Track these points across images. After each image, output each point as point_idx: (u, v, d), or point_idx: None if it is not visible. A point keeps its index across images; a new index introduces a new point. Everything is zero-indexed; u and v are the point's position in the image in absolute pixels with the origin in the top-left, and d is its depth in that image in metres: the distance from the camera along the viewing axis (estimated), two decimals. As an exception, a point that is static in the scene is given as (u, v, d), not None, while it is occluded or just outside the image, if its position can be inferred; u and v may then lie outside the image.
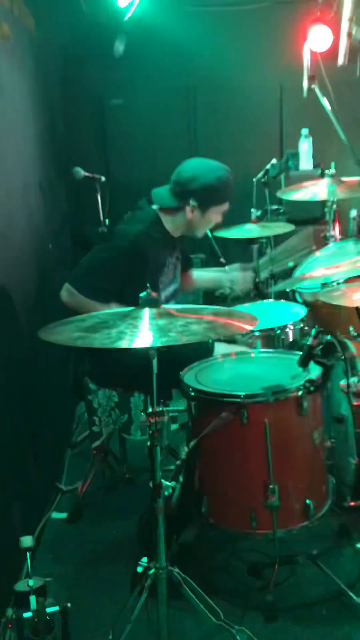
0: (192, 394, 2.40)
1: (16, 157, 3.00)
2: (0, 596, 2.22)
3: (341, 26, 4.09)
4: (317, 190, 3.49)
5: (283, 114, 5.09)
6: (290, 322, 2.98)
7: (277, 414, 2.31)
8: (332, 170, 3.54)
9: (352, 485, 2.54)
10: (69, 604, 1.99)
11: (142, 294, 2.01)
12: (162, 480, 2.02)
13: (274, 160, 3.93)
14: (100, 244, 2.85)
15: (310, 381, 2.31)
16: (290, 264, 3.39)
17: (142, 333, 1.86)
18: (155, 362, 1.95)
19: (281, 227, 3.76)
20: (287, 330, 2.96)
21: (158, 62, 4.90)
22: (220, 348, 2.82)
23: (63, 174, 4.21)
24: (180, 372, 2.53)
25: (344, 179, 3.54)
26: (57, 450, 3.59)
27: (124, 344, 1.81)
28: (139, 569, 2.12)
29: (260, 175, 3.94)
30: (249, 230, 3.67)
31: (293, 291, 3.28)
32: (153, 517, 2.05)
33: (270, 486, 2.26)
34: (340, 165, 3.76)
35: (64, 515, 3.08)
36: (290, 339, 2.96)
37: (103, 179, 4.18)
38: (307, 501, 2.33)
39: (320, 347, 2.31)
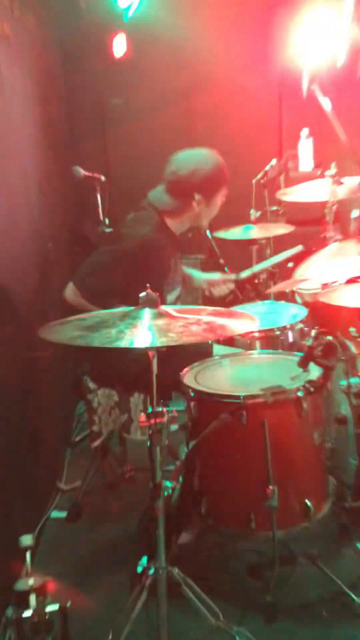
0: (192, 394, 2.40)
1: (16, 157, 3.00)
2: (0, 595, 2.22)
3: (342, 26, 4.09)
4: (317, 191, 3.49)
5: (283, 114, 5.09)
6: (290, 323, 2.98)
7: (277, 414, 2.31)
8: (333, 171, 3.54)
9: (353, 486, 2.54)
10: (68, 604, 1.99)
11: (141, 294, 2.01)
12: (162, 480, 2.02)
13: (273, 161, 3.93)
14: (107, 246, 2.83)
15: (310, 382, 2.31)
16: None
17: (142, 333, 1.86)
18: (155, 362, 1.95)
19: (280, 228, 3.76)
20: (287, 331, 2.96)
21: (158, 62, 4.90)
22: (219, 350, 2.82)
23: (63, 174, 4.21)
24: (180, 373, 2.53)
25: (345, 179, 3.54)
26: (57, 450, 3.59)
27: (123, 343, 1.81)
28: (139, 569, 2.12)
29: (259, 176, 3.94)
30: (248, 231, 3.68)
31: (293, 292, 3.28)
32: (153, 517, 2.05)
33: (270, 487, 2.26)
34: (341, 165, 3.76)
35: (63, 514, 3.08)
36: (290, 339, 2.97)
37: (103, 178, 4.19)
38: (307, 502, 2.33)
39: (321, 347, 2.31)
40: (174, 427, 2.70)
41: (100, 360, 2.86)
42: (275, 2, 4.82)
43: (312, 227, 4.26)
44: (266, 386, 2.32)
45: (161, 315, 1.96)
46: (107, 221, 4.07)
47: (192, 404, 2.42)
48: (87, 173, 4.06)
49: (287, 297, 3.40)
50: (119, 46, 4.84)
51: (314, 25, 4.18)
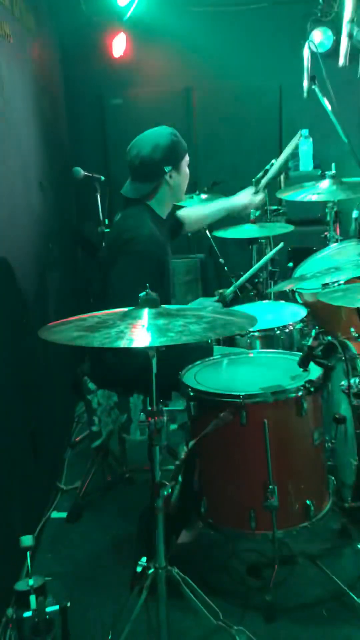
0: (192, 394, 2.40)
1: (17, 157, 3.00)
2: (0, 596, 2.22)
3: (342, 27, 4.09)
4: (317, 191, 3.49)
5: (283, 114, 5.10)
6: (290, 323, 2.99)
7: (277, 414, 2.31)
8: (333, 171, 3.54)
9: (353, 486, 2.54)
10: (68, 604, 1.99)
11: (141, 294, 2.01)
12: (162, 480, 2.02)
13: (273, 161, 3.93)
14: (124, 257, 2.73)
15: (310, 382, 2.31)
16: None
17: (142, 333, 1.86)
18: (154, 362, 1.95)
19: (280, 228, 3.76)
20: (287, 330, 2.96)
21: (158, 62, 4.91)
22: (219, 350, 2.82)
23: (63, 174, 4.21)
24: (180, 373, 2.53)
25: (345, 179, 3.54)
26: (57, 450, 3.60)
27: (123, 343, 1.81)
28: (139, 569, 2.12)
29: (259, 175, 3.94)
30: (248, 230, 3.68)
31: (293, 291, 3.29)
32: (153, 517, 2.05)
33: (270, 486, 2.26)
34: (341, 165, 3.76)
35: (63, 514, 3.08)
36: (290, 339, 2.97)
37: (103, 178, 4.19)
38: (307, 501, 2.33)
39: (321, 347, 2.31)
40: (173, 426, 2.71)
41: (100, 362, 2.84)
42: (276, 2, 4.83)
43: (312, 227, 4.27)
44: (266, 386, 2.32)
45: (161, 315, 1.96)
46: (107, 221, 4.07)
47: (192, 403, 2.42)
48: (87, 173, 4.06)
49: (287, 297, 3.40)
50: (119, 46, 4.84)
51: (314, 25, 4.19)
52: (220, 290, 3.42)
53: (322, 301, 2.45)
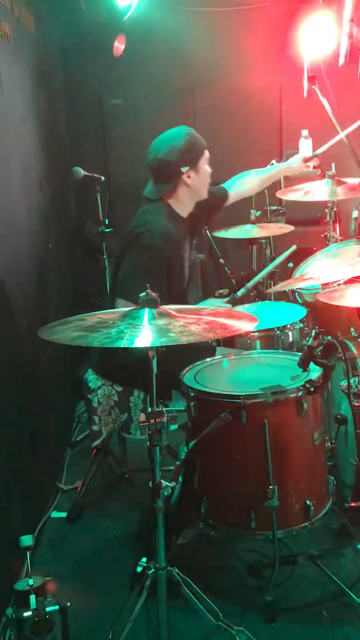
0: (192, 394, 2.40)
1: (17, 157, 3.00)
2: (0, 595, 2.22)
3: (342, 27, 4.08)
4: (317, 190, 3.49)
5: (283, 114, 5.09)
6: (290, 323, 2.99)
7: (277, 414, 2.31)
8: (333, 171, 3.54)
9: (353, 486, 2.54)
10: (68, 604, 1.99)
11: (141, 294, 2.01)
12: (162, 480, 2.02)
13: (273, 161, 3.93)
14: (133, 249, 2.77)
15: (310, 382, 2.31)
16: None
17: (142, 333, 1.86)
18: (154, 362, 1.95)
19: (280, 228, 3.76)
20: (287, 330, 2.96)
21: (158, 62, 4.90)
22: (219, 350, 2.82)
23: (63, 174, 4.21)
24: (180, 373, 2.53)
25: (344, 179, 3.54)
26: (57, 449, 3.60)
27: (123, 343, 1.81)
28: (139, 569, 2.12)
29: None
30: (248, 230, 3.68)
31: (293, 292, 3.29)
32: (153, 517, 2.05)
33: (270, 487, 2.26)
34: (341, 165, 3.76)
35: (63, 514, 3.08)
36: (290, 339, 2.97)
37: (103, 178, 4.19)
38: (307, 502, 2.33)
39: (321, 347, 2.31)
40: (173, 426, 2.71)
41: (108, 355, 2.81)
42: (276, 2, 4.82)
43: (312, 227, 4.27)
44: (266, 386, 2.32)
45: (161, 314, 1.96)
46: (107, 221, 4.07)
47: (192, 403, 2.42)
48: (87, 173, 4.06)
49: (287, 297, 3.40)
50: (119, 46, 4.84)
51: (314, 25, 4.18)
52: (221, 291, 3.42)
53: (322, 301, 2.45)
